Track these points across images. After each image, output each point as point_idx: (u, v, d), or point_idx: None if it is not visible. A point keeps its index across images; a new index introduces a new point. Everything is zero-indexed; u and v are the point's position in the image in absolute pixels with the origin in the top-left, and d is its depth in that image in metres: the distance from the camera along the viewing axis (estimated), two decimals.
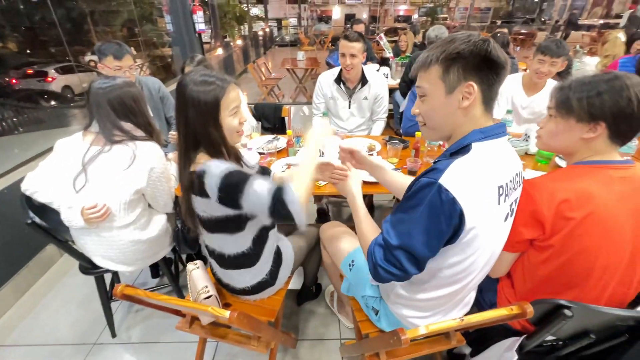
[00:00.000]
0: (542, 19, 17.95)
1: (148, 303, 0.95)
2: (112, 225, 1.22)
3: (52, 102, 4.44)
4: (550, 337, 0.91)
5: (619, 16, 13.11)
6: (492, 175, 0.74)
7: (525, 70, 2.03)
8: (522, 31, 13.40)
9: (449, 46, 0.72)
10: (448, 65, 0.72)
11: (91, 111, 1.19)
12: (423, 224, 0.71)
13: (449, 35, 0.76)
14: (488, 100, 0.75)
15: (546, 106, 0.95)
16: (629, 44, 2.90)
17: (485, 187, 0.72)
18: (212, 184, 0.86)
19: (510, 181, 0.78)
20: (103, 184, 1.17)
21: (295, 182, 0.86)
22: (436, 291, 0.87)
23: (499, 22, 17.02)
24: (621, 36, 2.75)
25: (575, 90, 0.84)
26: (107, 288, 1.52)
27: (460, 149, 0.75)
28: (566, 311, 0.76)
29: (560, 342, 0.96)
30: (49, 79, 4.18)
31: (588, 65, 3.34)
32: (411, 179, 1.13)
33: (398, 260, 0.75)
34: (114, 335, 1.58)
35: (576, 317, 0.76)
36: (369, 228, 0.92)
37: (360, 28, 3.97)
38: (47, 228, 1.22)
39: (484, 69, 0.71)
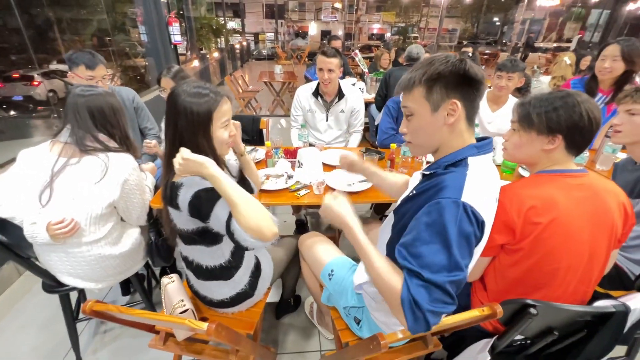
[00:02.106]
0: (503, 41, 19.39)
1: (120, 319, 0.90)
2: (81, 240, 1.15)
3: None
4: (519, 337, 0.96)
5: (569, 40, 14.46)
6: (492, 188, 0.79)
7: (489, 87, 2.19)
8: (486, 51, 14.37)
9: (429, 67, 0.76)
10: (430, 85, 0.76)
11: (66, 117, 1.14)
12: (457, 248, 0.68)
13: (427, 57, 0.81)
14: (471, 114, 0.80)
15: (510, 121, 1.03)
16: (578, 63, 3.21)
17: (491, 199, 0.77)
18: (184, 197, 0.88)
19: (498, 193, 0.85)
20: (71, 197, 1.11)
21: (238, 213, 0.85)
22: None
23: (465, 43, 18.19)
24: (567, 59, 3.04)
25: (535, 106, 0.92)
26: (73, 307, 1.43)
27: (456, 162, 0.79)
28: (532, 310, 0.81)
29: (528, 341, 1.01)
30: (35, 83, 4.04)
31: (543, 84, 3.66)
32: (397, 176, 1.18)
33: (449, 294, 0.68)
34: (79, 358, 1.48)
35: (541, 315, 0.81)
36: (387, 269, 0.75)
37: (337, 44, 4.10)
38: (8, 244, 1.14)
39: (464, 86, 0.75)
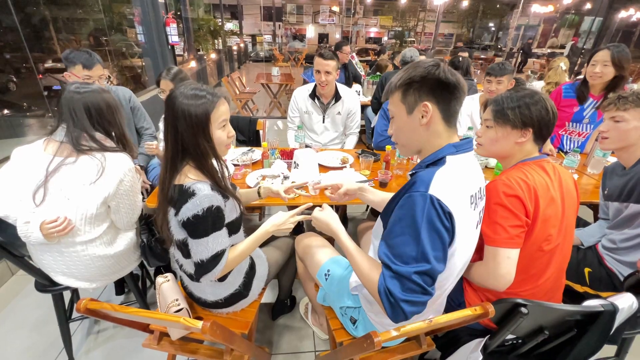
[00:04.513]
0: (498, 46, 19.63)
1: (114, 318, 0.90)
2: (75, 240, 1.14)
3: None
4: (510, 336, 0.97)
5: (562, 47, 14.66)
6: (464, 184, 0.81)
7: (482, 91, 2.23)
8: (482, 56, 14.53)
9: (405, 74, 0.83)
10: (405, 89, 0.83)
11: (61, 115, 1.13)
12: (427, 239, 0.72)
13: (407, 65, 0.86)
14: (448, 116, 0.83)
15: (483, 119, 1.10)
16: (571, 71, 3.25)
17: (462, 193, 0.79)
18: (189, 209, 0.89)
19: (478, 191, 0.86)
20: (66, 197, 1.10)
21: (236, 252, 1.05)
22: None
23: (461, 47, 18.37)
24: (562, 65, 3.08)
25: (508, 103, 1.00)
26: (66, 307, 1.41)
27: (436, 161, 0.83)
28: (522, 309, 0.82)
29: (520, 340, 1.03)
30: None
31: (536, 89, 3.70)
32: (387, 194, 1.21)
33: (419, 285, 0.72)
34: (71, 359, 1.46)
35: (531, 314, 0.82)
36: (366, 264, 0.85)
37: (347, 50, 4.03)
38: (1, 242, 1.12)
39: (438, 89, 0.80)
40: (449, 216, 0.74)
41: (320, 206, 1.12)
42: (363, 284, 0.85)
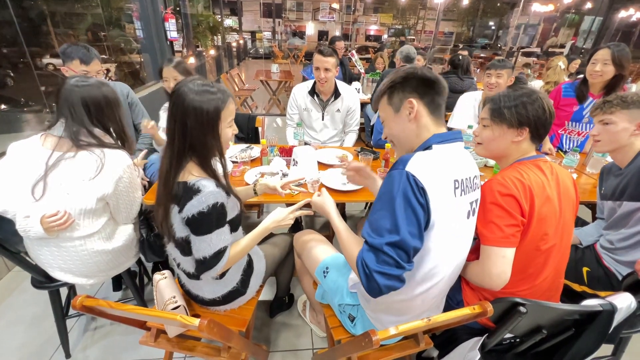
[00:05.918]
0: (498, 45, 19.63)
1: (111, 315, 0.90)
2: (74, 235, 1.13)
3: None
4: (508, 335, 0.97)
5: (562, 46, 14.66)
6: (447, 168, 0.84)
7: (482, 89, 2.22)
8: (482, 55, 14.52)
9: (386, 80, 0.92)
10: (390, 93, 0.92)
11: (59, 109, 1.12)
12: (402, 213, 0.76)
13: (389, 74, 0.93)
14: (433, 109, 0.89)
15: (480, 117, 1.10)
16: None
17: (440, 174, 0.82)
18: (194, 206, 0.89)
19: (467, 179, 0.88)
20: (65, 191, 1.09)
21: (237, 248, 1.04)
22: (412, 291, 0.91)
23: (461, 46, 18.37)
24: (561, 64, 3.08)
25: (505, 102, 1.01)
26: (62, 303, 1.41)
27: (424, 149, 0.87)
28: (521, 308, 0.82)
29: (518, 339, 1.03)
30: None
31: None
32: None
33: (392, 257, 0.76)
34: (68, 355, 1.46)
35: (530, 313, 0.82)
36: (351, 242, 0.90)
37: (340, 45, 4.03)
38: None
39: (420, 86, 0.88)
40: (423, 192, 0.77)
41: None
42: (347, 261, 0.90)
